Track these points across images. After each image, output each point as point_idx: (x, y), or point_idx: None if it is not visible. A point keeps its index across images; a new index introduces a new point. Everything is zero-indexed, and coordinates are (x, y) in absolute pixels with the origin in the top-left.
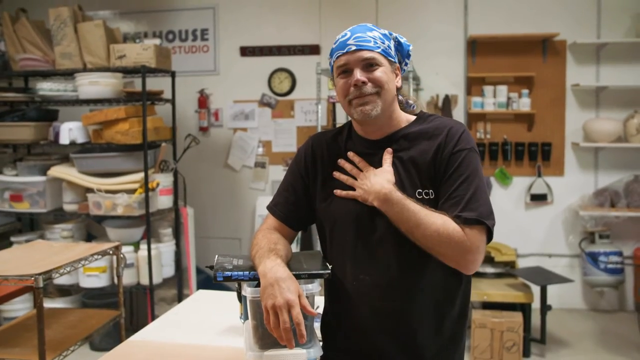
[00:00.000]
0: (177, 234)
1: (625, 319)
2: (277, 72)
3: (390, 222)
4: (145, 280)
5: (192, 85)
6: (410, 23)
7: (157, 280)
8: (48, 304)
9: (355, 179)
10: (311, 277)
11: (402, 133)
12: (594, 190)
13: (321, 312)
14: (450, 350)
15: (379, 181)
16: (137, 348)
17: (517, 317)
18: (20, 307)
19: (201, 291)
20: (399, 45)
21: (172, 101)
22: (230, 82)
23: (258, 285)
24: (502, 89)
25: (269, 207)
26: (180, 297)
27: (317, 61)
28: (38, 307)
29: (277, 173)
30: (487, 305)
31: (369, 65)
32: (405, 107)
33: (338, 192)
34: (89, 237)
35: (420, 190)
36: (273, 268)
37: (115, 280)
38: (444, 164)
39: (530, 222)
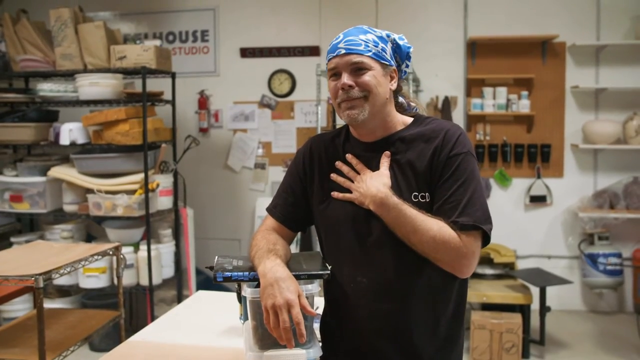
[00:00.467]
0: (177, 235)
1: (624, 320)
2: (277, 73)
3: (387, 224)
4: (145, 281)
5: (192, 87)
6: (410, 24)
7: (156, 281)
8: (48, 304)
9: (353, 181)
10: (311, 277)
11: (399, 136)
12: (593, 192)
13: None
14: (448, 350)
15: (375, 184)
16: (136, 349)
17: (517, 318)
18: (20, 308)
19: (201, 292)
20: (397, 47)
21: (172, 102)
22: (230, 83)
23: (258, 285)
24: (502, 91)
25: (268, 209)
26: (179, 298)
27: (317, 62)
28: (38, 308)
29: (277, 174)
30: (487, 307)
31: (358, 69)
32: (407, 109)
33: (335, 194)
34: (89, 238)
35: (417, 194)
36: (273, 268)
37: (115, 281)
38: (440, 167)
39: (530, 224)
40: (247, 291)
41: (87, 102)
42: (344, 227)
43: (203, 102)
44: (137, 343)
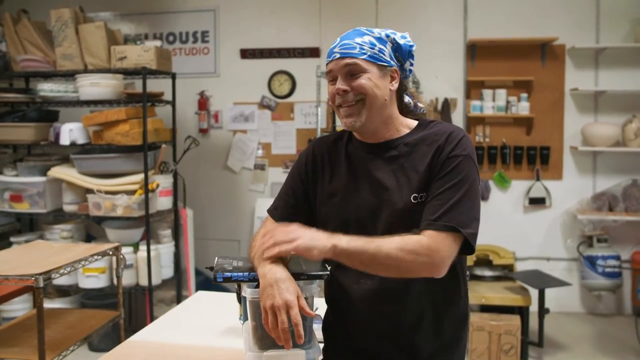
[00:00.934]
0: (177, 235)
1: (623, 322)
2: (277, 74)
3: (390, 226)
4: (144, 281)
5: (192, 87)
6: (410, 26)
7: (156, 281)
8: (47, 304)
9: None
10: (310, 278)
11: (403, 141)
12: (592, 194)
13: (320, 314)
14: (450, 351)
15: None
16: (136, 349)
17: (515, 320)
18: (19, 308)
19: (200, 292)
20: (397, 46)
21: (173, 103)
22: (230, 84)
23: (258, 286)
24: (501, 93)
25: (269, 210)
26: (179, 299)
27: (317, 64)
28: (38, 307)
29: (277, 175)
30: (485, 308)
31: (353, 73)
32: (413, 109)
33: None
34: (89, 238)
35: (416, 195)
36: (272, 269)
37: (115, 281)
38: (438, 167)
39: (529, 226)
40: (247, 291)
41: (88, 103)
42: (348, 230)
43: (203, 102)
44: (137, 343)
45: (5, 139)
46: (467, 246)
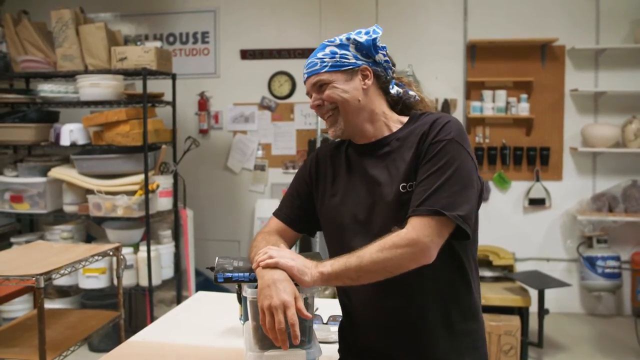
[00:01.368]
0: (177, 236)
1: (623, 323)
2: (277, 75)
3: (385, 220)
4: (144, 282)
5: (192, 88)
6: (410, 27)
7: (156, 281)
8: (47, 304)
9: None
10: None
11: (394, 137)
12: (592, 195)
13: (318, 314)
14: (462, 344)
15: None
16: (136, 349)
17: (515, 320)
18: (20, 308)
19: (201, 293)
20: (359, 45)
21: (173, 103)
22: (231, 84)
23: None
24: (501, 94)
25: (274, 212)
26: (179, 299)
27: None
28: (39, 308)
29: (277, 176)
30: (485, 309)
31: (320, 87)
32: (403, 98)
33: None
34: (89, 239)
35: (405, 184)
36: (270, 271)
37: (115, 282)
38: (423, 153)
39: (529, 227)
40: (248, 292)
41: (88, 103)
42: (347, 228)
43: (203, 103)
44: (137, 343)
45: (5, 139)
46: (461, 231)
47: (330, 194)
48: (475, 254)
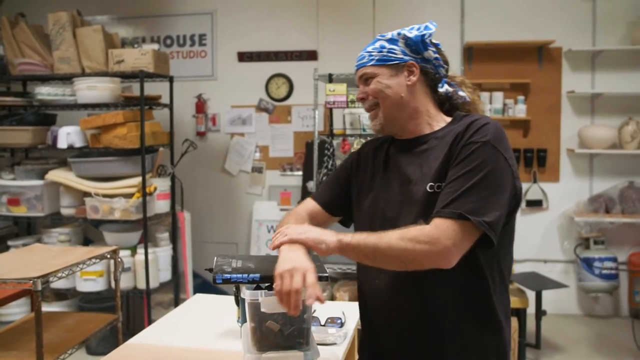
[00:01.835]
0: (174, 239)
1: (620, 324)
2: (275, 77)
3: (412, 218)
4: (142, 285)
5: (189, 90)
6: None
7: (154, 284)
8: (45, 307)
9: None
10: None
11: (435, 135)
12: (589, 197)
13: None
14: (476, 358)
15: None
16: (134, 352)
17: (512, 322)
18: (17, 311)
19: (198, 295)
20: (408, 40)
21: (170, 106)
22: (228, 87)
23: (257, 288)
24: (498, 96)
25: (313, 194)
26: (177, 302)
27: (314, 67)
28: (36, 311)
29: (274, 178)
30: None
31: (366, 80)
32: (451, 97)
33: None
34: (86, 241)
35: (432, 184)
36: (292, 247)
37: (112, 285)
38: (455, 154)
39: (526, 228)
40: (246, 293)
41: (85, 106)
42: (376, 224)
43: (200, 106)
44: (135, 346)
45: (2, 142)
46: (487, 238)
47: (367, 189)
48: (505, 266)
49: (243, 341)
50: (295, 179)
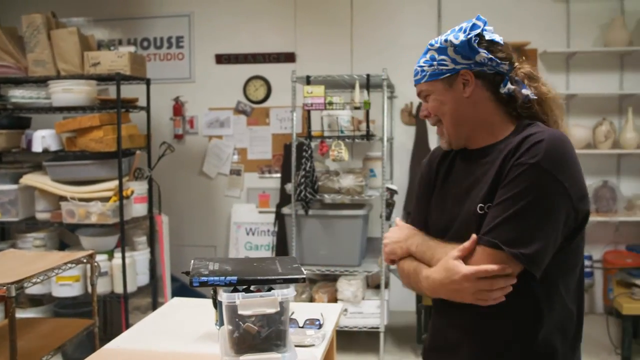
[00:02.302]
0: (152, 242)
1: (595, 321)
2: (253, 79)
3: (459, 237)
4: (119, 289)
5: (167, 93)
6: (385, 31)
7: (131, 288)
8: (19, 314)
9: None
10: (286, 282)
11: (497, 147)
12: None
13: (295, 318)
14: None
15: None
16: (111, 357)
17: None
18: None
19: (176, 299)
20: (456, 47)
21: (147, 109)
22: (206, 89)
23: (234, 290)
24: None
25: (410, 222)
26: (155, 306)
27: (292, 69)
28: (10, 317)
29: (253, 180)
30: None
31: (425, 97)
32: (519, 98)
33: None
34: (62, 246)
35: (482, 205)
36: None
37: (89, 289)
38: (504, 174)
39: None
40: (223, 296)
41: (60, 109)
42: (440, 236)
43: (178, 108)
44: (112, 351)
45: None
46: (528, 273)
47: (438, 199)
48: (566, 296)
49: (220, 344)
50: (273, 181)
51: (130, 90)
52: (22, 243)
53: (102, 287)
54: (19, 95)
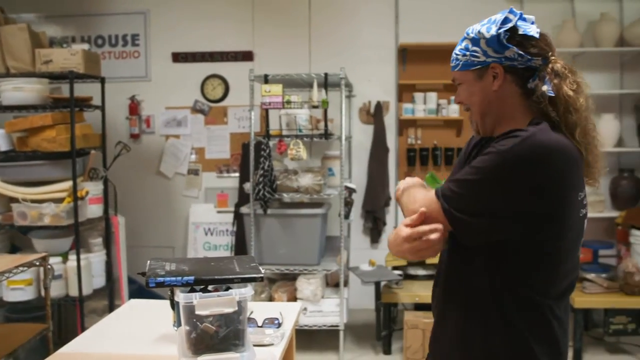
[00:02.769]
0: (108, 244)
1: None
2: (210, 78)
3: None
4: (74, 292)
5: (122, 92)
6: (343, 31)
7: (87, 291)
8: None
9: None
10: (244, 281)
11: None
12: None
13: (253, 317)
14: None
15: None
16: None
17: None
18: None
19: (133, 300)
20: (487, 40)
21: (102, 108)
22: (162, 88)
23: (191, 290)
24: (432, 96)
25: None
26: (111, 308)
27: (250, 67)
28: None
29: (211, 180)
30: (419, 307)
31: (459, 84)
32: (538, 95)
33: None
34: (14, 249)
35: None
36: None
37: (42, 293)
38: (474, 155)
39: None
40: (180, 296)
41: (11, 108)
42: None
43: (134, 107)
44: (66, 355)
45: None
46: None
47: None
48: (527, 290)
49: (178, 345)
50: (232, 180)
51: (84, 89)
52: None
53: (56, 290)
54: None
